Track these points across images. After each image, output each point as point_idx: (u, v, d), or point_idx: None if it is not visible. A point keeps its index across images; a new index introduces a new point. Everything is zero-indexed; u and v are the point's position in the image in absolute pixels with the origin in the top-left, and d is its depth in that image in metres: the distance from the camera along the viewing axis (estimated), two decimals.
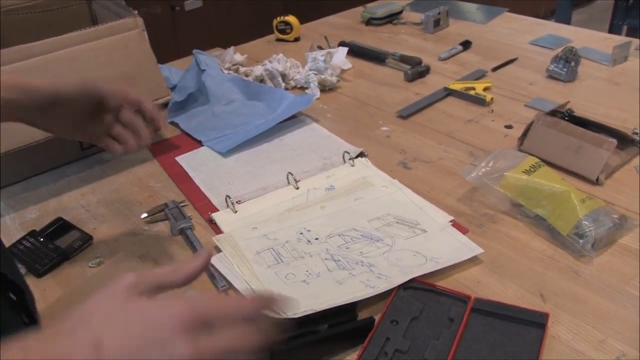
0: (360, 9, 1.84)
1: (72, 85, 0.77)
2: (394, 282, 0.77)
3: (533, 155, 1.01)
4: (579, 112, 1.15)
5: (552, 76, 1.35)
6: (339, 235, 0.90)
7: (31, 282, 0.78)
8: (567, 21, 2.47)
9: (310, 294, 0.78)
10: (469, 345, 0.69)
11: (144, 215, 0.98)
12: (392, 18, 1.76)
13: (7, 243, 0.86)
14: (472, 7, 1.84)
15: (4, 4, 1.14)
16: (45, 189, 1.07)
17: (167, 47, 2.42)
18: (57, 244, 0.92)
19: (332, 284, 0.80)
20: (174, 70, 1.43)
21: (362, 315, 0.74)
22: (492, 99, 1.26)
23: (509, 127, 1.17)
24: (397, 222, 0.91)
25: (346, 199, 0.98)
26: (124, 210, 1.01)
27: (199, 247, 0.89)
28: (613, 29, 2.61)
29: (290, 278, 0.82)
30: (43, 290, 0.84)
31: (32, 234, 0.94)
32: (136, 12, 1.10)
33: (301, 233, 0.91)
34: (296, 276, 0.82)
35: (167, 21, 2.51)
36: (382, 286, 0.77)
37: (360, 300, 0.75)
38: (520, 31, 1.63)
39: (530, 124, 1.07)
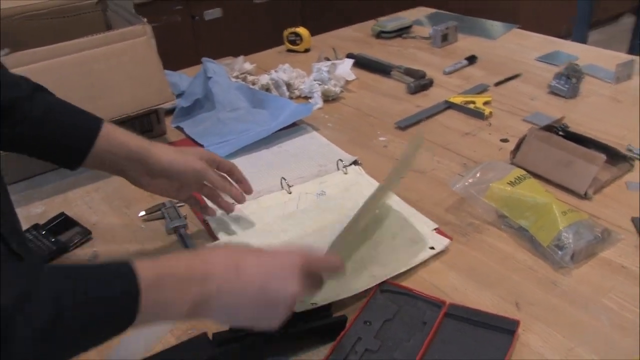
0: (372, 22, 1.88)
1: (188, 169, 0.87)
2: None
3: (525, 168, 1.03)
4: (577, 128, 1.16)
5: (553, 92, 1.37)
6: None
7: None
8: (582, 40, 2.48)
9: None
10: (438, 348, 0.72)
11: (142, 213, 1.02)
12: (401, 32, 1.79)
13: None
14: (483, 23, 1.86)
15: (21, 10, 1.19)
16: (52, 186, 1.12)
17: (187, 55, 2.47)
18: (58, 237, 0.96)
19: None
20: (184, 77, 1.48)
21: (337, 314, 0.76)
22: (490, 112, 1.28)
23: (504, 140, 1.19)
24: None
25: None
26: (123, 208, 1.05)
27: (191, 245, 0.93)
28: (633, 49, 2.60)
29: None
30: None
31: (36, 227, 0.98)
32: (145, 19, 1.15)
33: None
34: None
35: (187, 30, 2.57)
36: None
37: (333, 303, 0.77)
38: (528, 47, 1.65)
39: (523, 138, 1.08)
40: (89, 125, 0.83)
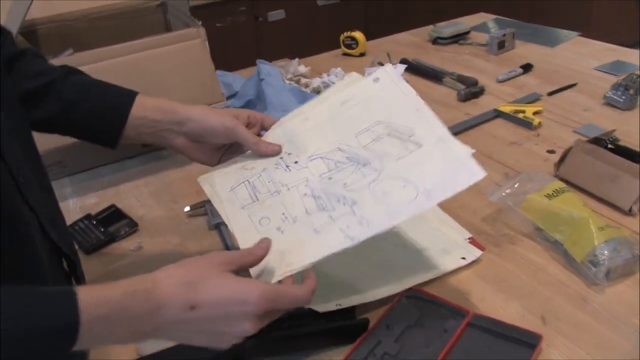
0: (430, 27, 1.87)
1: (218, 125, 0.83)
2: (375, 229, 0.70)
3: (569, 181, 1.01)
4: (629, 141, 1.13)
5: (609, 103, 1.33)
6: (321, 158, 0.81)
7: (81, 257, 0.88)
8: None
9: (285, 249, 0.71)
10: (457, 357, 0.72)
11: (187, 208, 1.06)
12: (458, 38, 1.78)
13: (67, 222, 0.97)
14: (544, 30, 1.82)
15: (86, 13, 1.27)
16: (106, 178, 1.19)
17: (248, 55, 2.53)
18: (107, 228, 1.02)
19: (308, 233, 0.73)
20: (238, 78, 1.52)
21: (361, 317, 0.78)
22: (540, 122, 1.26)
23: (551, 151, 1.17)
24: (389, 135, 0.79)
25: (331, 104, 0.87)
26: (170, 202, 1.10)
27: (229, 243, 0.97)
28: None
29: (264, 223, 0.76)
30: (89, 266, 0.94)
31: (88, 217, 1.05)
32: (200, 22, 1.20)
33: (281, 157, 0.83)
34: (271, 221, 0.75)
35: (250, 30, 2.64)
36: (362, 236, 0.70)
37: (358, 305, 0.79)
38: (587, 56, 1.60)
39: (569, 150, 1.06)
40: (122, 99, 0.84)
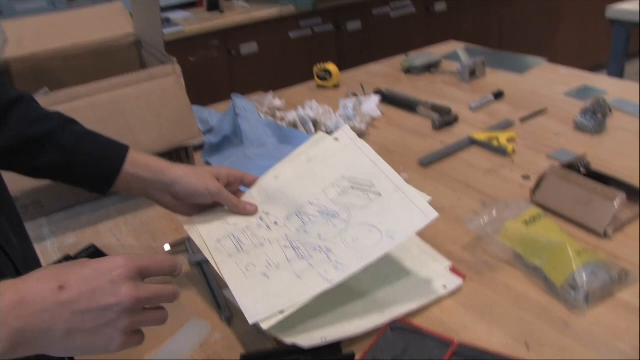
0: (401, 57, 1.91)
1: (202, 188, 0.91)
2: (349, 271, 0.79)
3: (545, 206, 1.03)
4: (601, 164, 1.16)
5: (579, 128, 1.36)
6: (296, 214, 0.92)
7: None
8: (618, 71, 2.45)
9: (271, 291, 0.79)
10: None
11: (167, 247, 1.06)
12: (430, 67, 1.81)
13: (44, 264, 0.96)
14: (513, 57, 1.87)
15: (61, 51, 1.27)
16: (84, 217, 1.18)
17: (222, 89, 2.55)
18: None
19: (291, 278, 0.81)
20: (214, 113, 1.53)
21: (346, 349, 0.78)
22: (513, 149, 1.28)
23: (526, 177, 1.19)
24: (352, 187, 0.92)
25: (298, 163, 0.99)
26: (150, 241, 1.09)
27: (212, 281, 0.96)
28: None
29: (251, 269, 0.84)
30: None
31: (67, 257, 1.03)
32: (174, 59, 1.21)
33: (260, 218, 0.93)
34: (256, 267, 0.84)
35: (223, 64, 2.66)
36: (338, 278, 0.79)
37: (342, 340, 0.79)
38: (556, 82, 1.65)
39: (543, 176, 1.09)
40: (116, 153, 0.90)
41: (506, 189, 1.16)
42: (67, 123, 0.90)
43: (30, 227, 0.79)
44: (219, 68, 2.64)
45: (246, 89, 1.76)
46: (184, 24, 2.56)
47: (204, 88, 2.55)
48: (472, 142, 1.34)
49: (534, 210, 0.96)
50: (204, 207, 0.96)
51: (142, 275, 0.61)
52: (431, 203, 0.84)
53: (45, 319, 0.54)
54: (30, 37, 1.37)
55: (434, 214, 0.82)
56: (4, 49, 1.30)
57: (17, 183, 0.76)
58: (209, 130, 1.45)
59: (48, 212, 1.19)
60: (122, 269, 0.58)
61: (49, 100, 1.08)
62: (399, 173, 1.23)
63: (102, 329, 0.57)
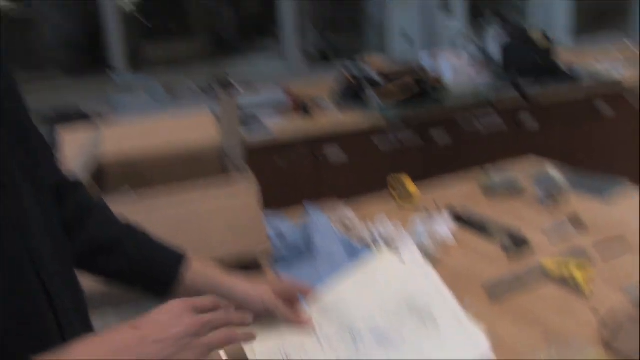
0: (479, 172, 1.91)
1: (259, 303, 0.97)
2: None
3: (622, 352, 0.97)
4: None
5: None
6: (349, 333, 0.94)
7: None
8: None
9: None
10: None
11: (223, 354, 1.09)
12: (510, 187, 1.80)
13: None
14: (595, 180, 1.82)
15: (148, 154, 1.40)
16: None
17: (307, 194, 2.64)
18: None
19: None
20: (287, 224, 1.58)
21: None
22: (585, 281, 1.23)
23: (596, 313, 1.13)
24: (409, 311, 0.94)
25: (359, 278, 1.02)
26: None
27: None
28: None
29: None
30: None
31: None
32: (249, 168, 1.31)
33: (316, 335, 0.96)
34: None
35: (309, 170, 2.77)
36: None
37: None
38: None
39: (618, 320, 1.03)
40: (176, 265, 0.97)
41: (572, 325, 1.11)
42: (130, 229, 0.99)
43: (94, 316, 0.88)
44: (306, 173, 2.76)
45: (334, 194, 1.79)
46: (275, 127, 2.71)
47: (288, 191, 2.65)
48: (543, 271, 1.31)
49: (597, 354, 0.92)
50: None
51: (197, 310, 0.75)
52: (489, 334, 0.87)
53: (131, 355, 0.67)
54: (126, 141, 1.53)
55: (488, 354, 0.85)
56: (97, 153, 1.45)
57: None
58: (281, 240, 1.50)
59: (116, 303, 1.27)
60: (180, 304, 0.74)
61: (127, 200, 1.20)
62: (462, 299, 1.22)
63: (179, 354, 0.69)
